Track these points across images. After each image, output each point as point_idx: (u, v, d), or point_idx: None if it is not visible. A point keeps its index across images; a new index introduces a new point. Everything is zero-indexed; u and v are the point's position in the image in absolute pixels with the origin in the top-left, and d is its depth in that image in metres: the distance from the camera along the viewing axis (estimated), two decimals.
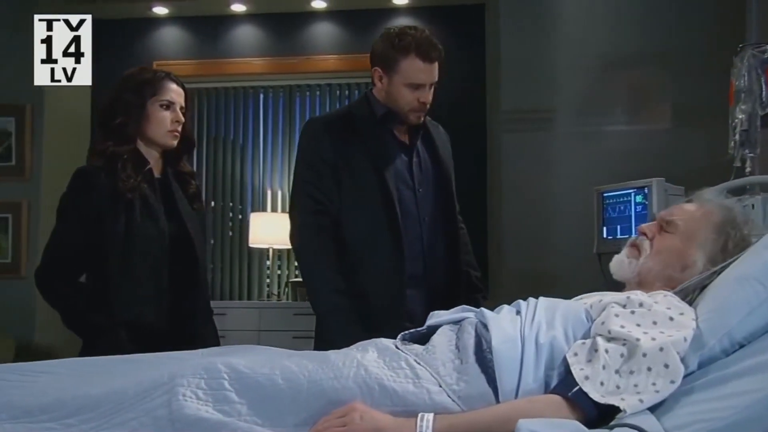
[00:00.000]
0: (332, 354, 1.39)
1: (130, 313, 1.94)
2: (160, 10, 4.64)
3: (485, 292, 2.37)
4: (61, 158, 4.15)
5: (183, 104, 2.13)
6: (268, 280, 4.74)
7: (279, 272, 4.73)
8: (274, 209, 4.75)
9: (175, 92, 2.10)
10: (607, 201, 2.56)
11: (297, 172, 2.27)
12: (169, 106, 2.09)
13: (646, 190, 2.39)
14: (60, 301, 1.98)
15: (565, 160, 3.43)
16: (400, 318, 2.01)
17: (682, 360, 1.22)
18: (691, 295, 1.42)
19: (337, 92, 4.78)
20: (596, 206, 2.61)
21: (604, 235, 2.57)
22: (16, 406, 1.29)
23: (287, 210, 2.44)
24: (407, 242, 2.14)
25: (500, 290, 3.40)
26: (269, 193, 4.82)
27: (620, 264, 1.55)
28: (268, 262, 4.71)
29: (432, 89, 2.20)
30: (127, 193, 1.97)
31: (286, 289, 4.54)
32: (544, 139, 3.48)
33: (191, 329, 2.04)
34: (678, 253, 1.49)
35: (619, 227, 2.47)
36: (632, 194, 2.47)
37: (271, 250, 4.61)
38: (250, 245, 4.56)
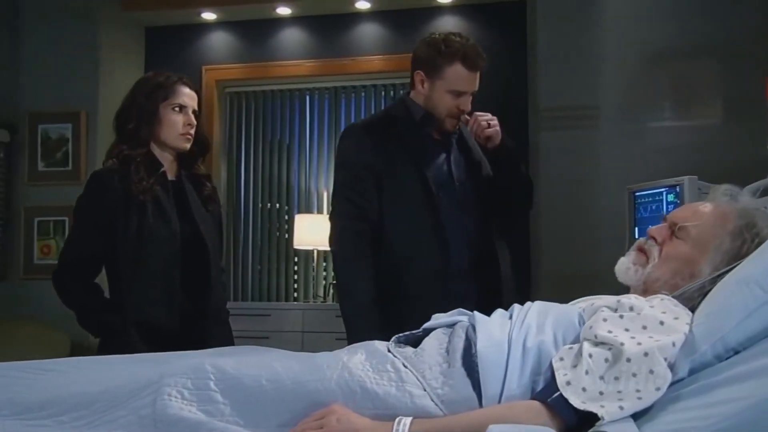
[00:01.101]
0: (319, 356, 1.40)
1: (141, 313, 2.01)
2: (209, 16, 4.75)
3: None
4: None
5: (196, 108, 2.18)
6: (313, 282, 4.79)
7: (324, 273, 4.78)
8: (319, 211, 4.80)
9: (187, 96, 2.16)
10: (639, 200, 2.49)
11: (337, 177, 2.31)
12: (181, 109, 2.15)
13: (677, 189, 2.31)
14: (75, 302, 2.06)
15: (606, 158, 3.35)
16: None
17: (671, 366, 1.19)
18: (693, 302, 1.36)
19: (382, 93, 4.79)
20: (628, 206, 2.54)
21: (636, 236, 2.50)
22: (18, 402, 1.34)
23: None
24: (453, 238, 2.17)
25: (540, 291, 3.35)
26: (315, 194, 4.86)
27: (626, 270, 1.50)
28: (314, 264, 4.75)
29: (471, 98, 2.23)
30: (139, 195, 2.03)
31: (330, 291, 4.57)
32: (584, 137, 3.41)
33: (202, 330, 2.08)
34: (687, 262, 1.43)
35: (651, 227, 2.39)
36: (664, 193, 2.39)
37: (315, 252, 4.65)
38: (296, 247, 4.61)
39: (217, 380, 1.30)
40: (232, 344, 2.14)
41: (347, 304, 2.18)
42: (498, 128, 2.25)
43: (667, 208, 2.36)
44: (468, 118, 2.26)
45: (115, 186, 2.05)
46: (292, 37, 4.78)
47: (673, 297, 1.36)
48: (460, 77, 2.18)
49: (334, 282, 4.47)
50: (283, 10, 4.67)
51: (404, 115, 2.29)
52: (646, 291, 1.46)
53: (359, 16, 4.69)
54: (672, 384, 1.18)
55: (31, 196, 4.43)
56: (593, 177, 3.33)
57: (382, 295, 2.15)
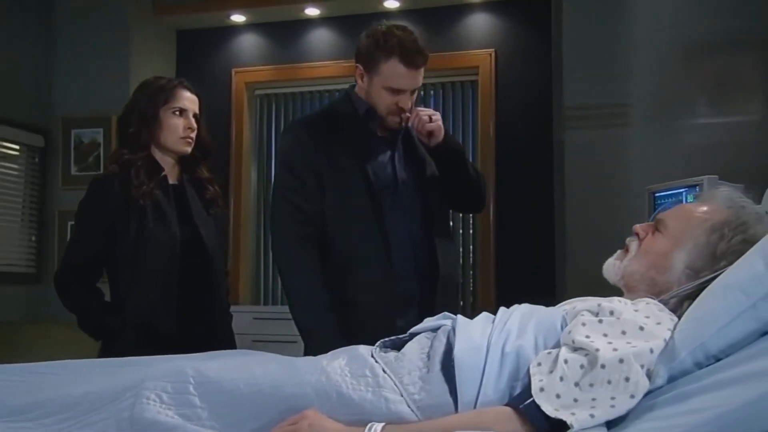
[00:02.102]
0: (301, 360, 1.42)
1: (141, 316, 2.06)
2: (238, 18, 4.82)
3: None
4: None
5: (197, 111, 2.23)
6: None
7: None
8: None
9: (188, 99, 2.21)
10: (659, 201, 2.45)
11: (277, 179, 2.22)
12: (181, 113, 2.19)
13: (697, 189, 2.27)
14: (76, 305, 2.12)
15: (636, 158, 3.28)
16: (394, 318, 2.00)
17: (649, 372, 1.17)
18: (680, 310, 1.34)
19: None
20: (648, 207, 2.50)
21: None
22: (6, 405, 1.39)
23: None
24: (397, 242, 2.12)
25: (567, 292, 3.31)
26: None
27: (609, 267, 1.51)
28: None
29: (414, 95, 2.15)
30: (139, 199, 2.08)
31: None
32: (612, 136, 3.35)
33: (203, 333, 2.12)
34: (663, 255, 1.42)
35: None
36: (683, 194, 2.34)
37: None
38: None
39: (196, 384, 1.33)
40: (232, 347, 2.18)
41: (300, 314, 2.10)
42: (440, 123, 2.14)
43: None
44: (409, 115, 2.15)
45: (116, 190, 2.10)
46: (321, 38, 4.82)
47: (659, 301, 1.34)
48: (396, 74, 2.07)
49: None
50: (312, 11, 4.71)
51: (348, 110, 2.20)
52: (626, 287, 1.46)
53: (388, 16, 4.70)
54: (650, 391, 1.17)
55: (64, 200, 4.54)
56: (621, 177, 3.27)
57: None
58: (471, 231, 4.53)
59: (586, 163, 3.34)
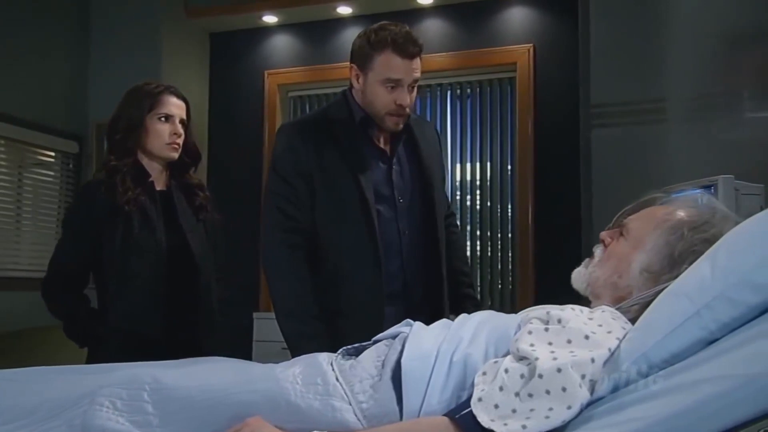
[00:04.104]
0: (256, 367, 1.47)
1: (126, 322, 2.13)
2: (270, 19, 4.92)
3: (475, 300, 2.35)
4: None
5: (184, 117, 2.29)
6: None
7: None
8: None
9: (174, 105, 2.27)
10: None
11: (269, 182, 2.23)
12: (167, 118, 2.26)
13: (712, 190, 2.22)
14: (62, 311, 2.21)
15: (668, 156, 3.22)
16: (381, 329, 2.02)
17: (591, 383, 1.18)
18: (632, 315, 1.34)
19: (448, 91, 4.80)
20: None
21: None
22: None
23: None
24: (386, 256, 2.13)
25: None
26: None
27: (575, 275, 1.52)
28: None
29: (413, 91, 2.15)
30: (124, 206, 2.16)
31: None
32: (644, 133, 3.29)
33: (191, 339, 2.19)
34: (623, 259, 1.42)
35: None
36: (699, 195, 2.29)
37: None
38: None
39: (151, 391, 1.38)
40: (226, 354, 2.24)
41: (287, 324, 2.11)
42: None
43: None
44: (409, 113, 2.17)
45: (102, 197, 2.19)
46: (353, 37, 4.80)
47: (619, 308, 1.34)
48: (391, 65, 2.09)
49: None
50: (344, 10, 4.77)
51: (344, 114, 2.21)
52: (593, 294, 1.47)
53: (422, 12, 4.73)
54: (592, 402, 1.17)
55: None
56: (652, 177, 3.21)
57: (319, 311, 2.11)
58: (510, 234, 4.52)
59: (614, 161, 3.30)
